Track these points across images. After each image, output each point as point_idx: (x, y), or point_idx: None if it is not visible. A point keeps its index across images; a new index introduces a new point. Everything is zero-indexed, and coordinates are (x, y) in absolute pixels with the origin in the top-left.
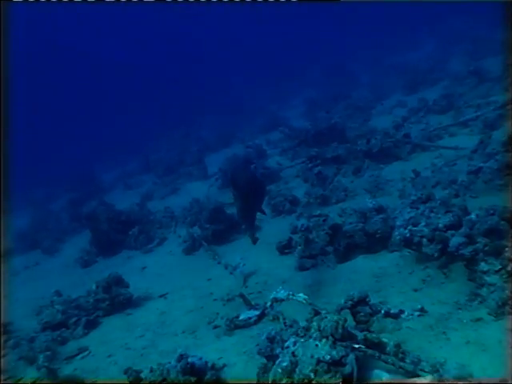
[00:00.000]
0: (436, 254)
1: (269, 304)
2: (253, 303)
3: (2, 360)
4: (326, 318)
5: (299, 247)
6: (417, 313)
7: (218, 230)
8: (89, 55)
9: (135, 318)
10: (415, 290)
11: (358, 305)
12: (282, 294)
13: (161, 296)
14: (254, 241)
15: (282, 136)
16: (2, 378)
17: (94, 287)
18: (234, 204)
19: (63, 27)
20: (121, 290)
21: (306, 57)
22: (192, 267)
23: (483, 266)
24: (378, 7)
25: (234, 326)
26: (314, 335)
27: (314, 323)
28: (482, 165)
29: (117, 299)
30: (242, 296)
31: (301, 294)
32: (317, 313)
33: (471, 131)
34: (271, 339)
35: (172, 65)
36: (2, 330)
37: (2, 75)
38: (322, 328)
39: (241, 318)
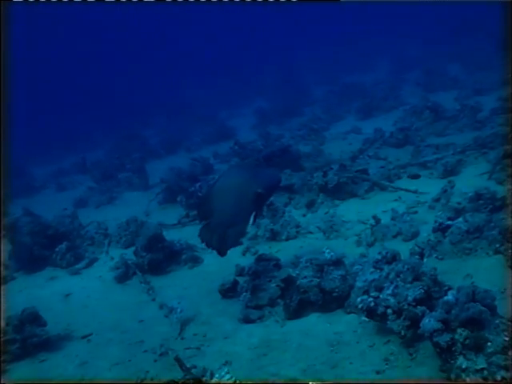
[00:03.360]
0: (403, 333)
1: None
2: (189, 365)
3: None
4: None
5: (245, 293)
6: None
7: (155, 259)
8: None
9: (49, 368)
10: (377, 373)
11: None
12: (226, 379)
13: (84, 337)
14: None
15: (230, 151)
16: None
17: (3, 325)
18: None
19: None
20: (36, 329)
21: (260, 64)
22: (123, 301)
23: (461, 361)
24: (339, 23)
25: None
26: None
27: None
28: (449, 223)
29: (30, 341)
30: (177, 360)
31: None
32: None
33: (431, 174)
34: None
35: (124, 63)
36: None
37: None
38: None
39: None
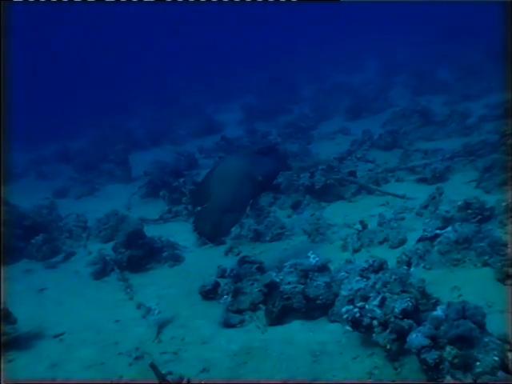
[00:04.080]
0: (388, 346)
1: None
2: (165, 371)
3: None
4: None
5: (226, 296)
6: None
7: (135, 255)
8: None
9: (16, 369)
10: None
11: None
12: None
13: (56, 336)
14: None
15: (216, 147)
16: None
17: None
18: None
19: None
20: (5, 326)
21: (250, 61)
22: (99, 299)
23: (448, 379)
24: (334, 23)
25: None
26: None
27: None
28: (438, 232)
29: None
30: (152, 367)
31: None
32: None
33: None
34: None
35: (113, 55)
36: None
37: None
38: None
39: None
